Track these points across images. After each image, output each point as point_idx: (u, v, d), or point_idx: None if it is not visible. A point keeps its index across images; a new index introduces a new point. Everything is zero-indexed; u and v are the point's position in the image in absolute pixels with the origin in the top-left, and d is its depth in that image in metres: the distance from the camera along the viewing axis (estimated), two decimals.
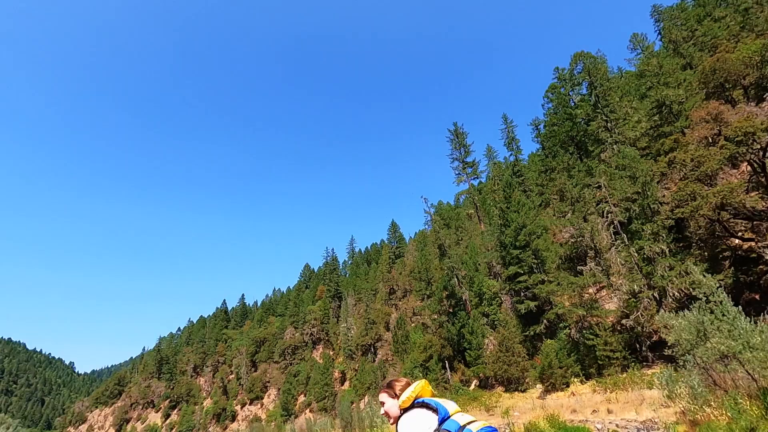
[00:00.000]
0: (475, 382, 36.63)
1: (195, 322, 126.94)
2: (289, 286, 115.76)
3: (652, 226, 25.86)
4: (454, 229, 62.01)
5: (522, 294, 34.94)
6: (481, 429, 2.59)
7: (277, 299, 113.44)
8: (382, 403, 2.97)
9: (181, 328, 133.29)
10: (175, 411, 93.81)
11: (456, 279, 41.52)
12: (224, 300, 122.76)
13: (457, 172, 55.05)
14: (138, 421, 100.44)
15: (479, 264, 44.04)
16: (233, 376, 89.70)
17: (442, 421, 2.67)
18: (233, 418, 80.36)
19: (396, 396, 2.90)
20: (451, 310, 41.80)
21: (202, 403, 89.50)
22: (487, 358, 34.80)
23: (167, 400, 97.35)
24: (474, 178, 55.97)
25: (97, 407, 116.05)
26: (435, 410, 2.74)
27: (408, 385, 2.94)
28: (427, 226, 58.83)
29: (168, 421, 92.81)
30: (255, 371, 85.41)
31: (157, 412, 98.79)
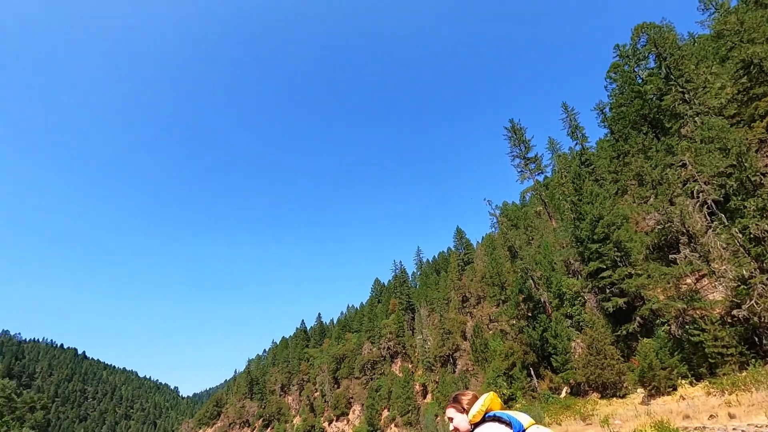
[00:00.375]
0: (565, 389, 34.26)
1: (278, 343, 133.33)
2: (362, 302, 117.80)
3: (756, 201, 22.74)
4: (523, 229, 59.39)
5: (607, 291, 32.29)
6: None
7: (352, 316, 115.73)
8: (451, 419, 2.88)
9: (267, 350, 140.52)
10: (269, 429, 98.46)
11: (531, 281, 39.53)
12: (302, 320, 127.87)
13: (519, 170, 52.90)
14: None
15: (555, 263, 41.57)
16: (318, 393, 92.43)
17: None
18: None
19: (464, 410, 2.81)
20: (530, 314, 39.76)
21: (292, 421, 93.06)
22: (576, 363, 32.44)
23: (260, 419, 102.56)
24: (538, 174, 53.41)
25: (200, 428, 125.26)
26: (509, 424, 2.62)
27: (475, 398, 2.85)
28: (493, 229, 57.04)
29: None
30: (338, 388, 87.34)
31: (252, 431, 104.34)
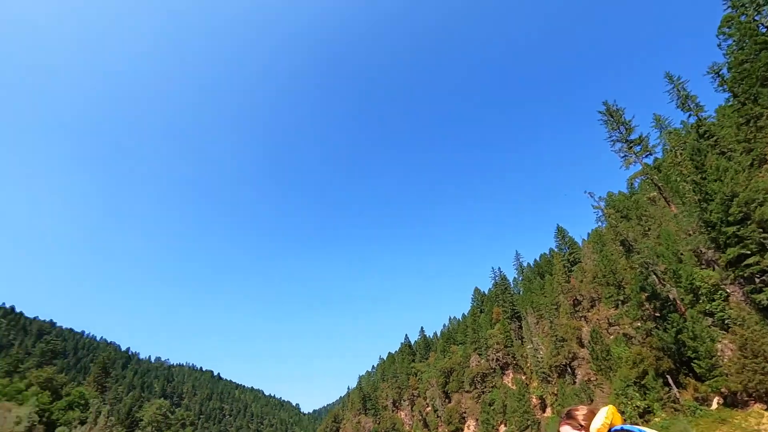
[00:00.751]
0: (716, 399, 29.34)
1: (385, 358, 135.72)
2: (463, 313, 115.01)
3: None
4: (636, 219, 53.16)
5: (756, 280, 27.25)
6: None
7: (455, 327, 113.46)
8: None
9: (375, 366, 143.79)
10: None
11: (654, 276, 35.05)
12: (406, 335, 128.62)
13: (622, 155, 47.81)
14: None
15: (681, 253, 36.38)
16: (430, 408, 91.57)
17: None
18: None
19: (581, 427, 2.60)
20: (657, 314, 35.14)
21: None
22: (726, 368, 27.70)
23: None
24: (646, 156, 47.66)
25: None
26: None
27: (591, 413, 2.64)
28: (600, 224, 52.02)
29: None
30: (449, 402, 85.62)
31: None
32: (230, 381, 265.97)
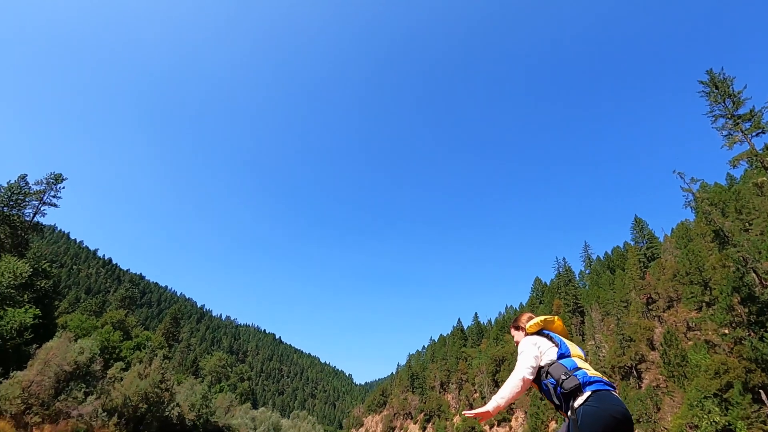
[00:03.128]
0: None
1: (436, 340, 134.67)
2: (521, 302, 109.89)
3: None
4: (735, 213, 45.58)
5: None
6: (597, 377, 2.46)
7: (511, 316, 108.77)
8: (516, 342, 2.99)
9: (425, 346, 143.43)
10: (430, 424, 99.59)
11: (754, 275, 29.51)
12: (459, 319, 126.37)
13: (725, 133, 40.45)
14: (401, 430, 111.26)
15: None
16: (477, 394, 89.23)
17: (560, 357, 2.65)
18: None
19: (522, 328, 2.96)
20: (751, 320, 29.73)
21: (452, 419, 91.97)
22: None
23: (422, 413, 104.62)
24: (756, 134, 40.01)
25: (369, 414, 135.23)
26: (557, 345, 2.74)
27: (531, 319, 3.00)
28: (689, 211, 45.31)
29: None
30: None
31: (414, 423, 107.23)
32: (290, 345, 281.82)
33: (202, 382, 53.63)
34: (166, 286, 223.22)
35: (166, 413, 39.74)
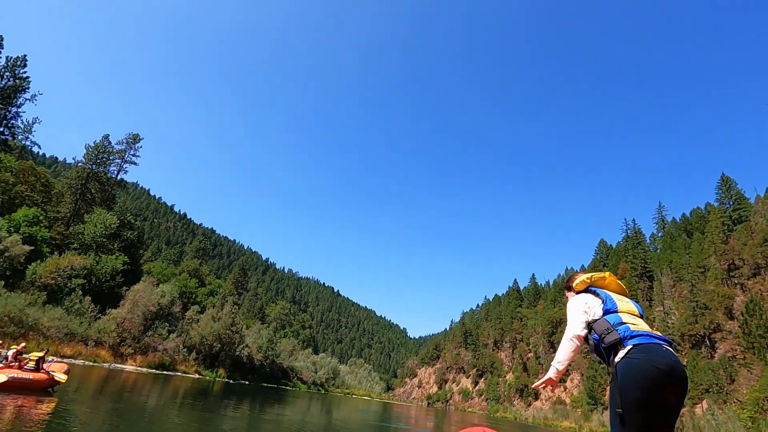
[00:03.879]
0: None
1: (491, 300, 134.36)
2: (583, 265, 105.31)
3: None
4: None
5: None
6: (643, 332, 2.36)
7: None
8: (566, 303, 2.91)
9: (480, 305, 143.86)
10: (482, 379, 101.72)
11: None
12: (515, 279, 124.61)
13: None
14: (453, 382, 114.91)
15: None
16: (532, 354, 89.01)
17: (605, 312, 2.56)
18: (536, 397, 79.59)
19: (572, 288, 2.87)
20: None
21: (505, 376, 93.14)
22: None
23: (474, 369, 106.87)
24: None
25: (422, 366, 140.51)
26: (603, 300, 2.64)
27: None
28: None
29: (477, 388, 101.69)
30: (554, 352, 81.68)
31: (467, 377, 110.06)
32: (348, 298, 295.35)
33: (268, 327, 58.29)
34: (235, 240, 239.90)
35: (237, 352, 44.00)
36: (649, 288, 68.75)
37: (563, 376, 74.34)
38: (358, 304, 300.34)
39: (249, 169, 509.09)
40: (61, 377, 11.86)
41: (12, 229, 31.00)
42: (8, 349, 12.57)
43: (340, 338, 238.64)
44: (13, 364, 11.51)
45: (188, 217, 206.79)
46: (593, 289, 2.76)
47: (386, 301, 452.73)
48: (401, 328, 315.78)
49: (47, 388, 11.60)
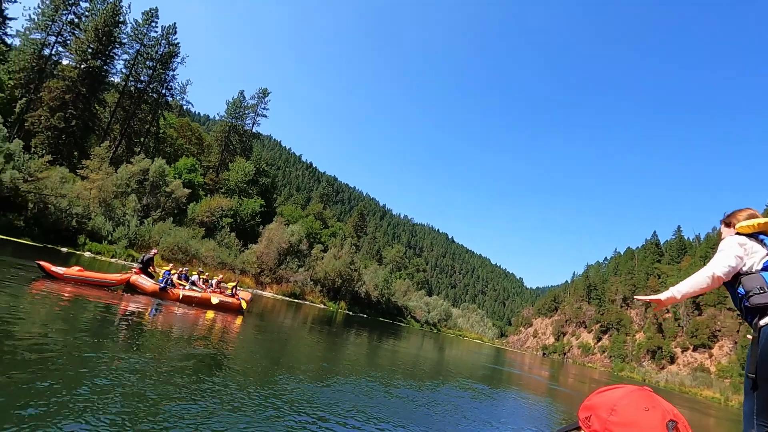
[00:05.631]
0: None
1: (622, 253, 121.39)
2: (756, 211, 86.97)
3: None
4: None
5: None
6: None
7: None
8: (721, 239, 2.52)
9: (608, 258, 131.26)
10: (606, 336, 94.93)
11: None
12: (654, 231, 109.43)
13: None
14: (573, 336, 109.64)
15: None
16: (670, 315, 79.24)
17: (765, 268, 2.20)
18: (672, 360, 71.70)
19: (733, 225, 2.46)
20: None
21: (634, 335, 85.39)
22: None
23: (598, 324, 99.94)
24: None
25: (539, 316, 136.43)
26: None
27: (753, 216, 2.43)
28: None
29: (599, 344, 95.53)
30: (699, 315, 71.49)
31: (589, 332, 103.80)
32: (462, 245, 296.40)
33: (385, 268, 62.15)
34: (355, 187, 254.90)
35: (356, 289, 48.14)
36: None
37: (710, 342, 65.12)
38: (473, 252, 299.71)
39: (369, 119, 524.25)
40: (245, 302, 15.84)
41: (176, 175, 37.46)
42: (211, 278, 17.16)
43: (454, 283, 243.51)
44: (216, 290, 15.58)
45: (314, 165, 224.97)
46: (762, 237, 2.33)
47: (503, 249, 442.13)
48: (517, 277, 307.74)
49: (239, 309, 15.36)
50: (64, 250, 24.08)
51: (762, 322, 2.11)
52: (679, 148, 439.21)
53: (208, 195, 42.80)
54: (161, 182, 33.50)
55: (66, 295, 9.54)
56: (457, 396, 10.33)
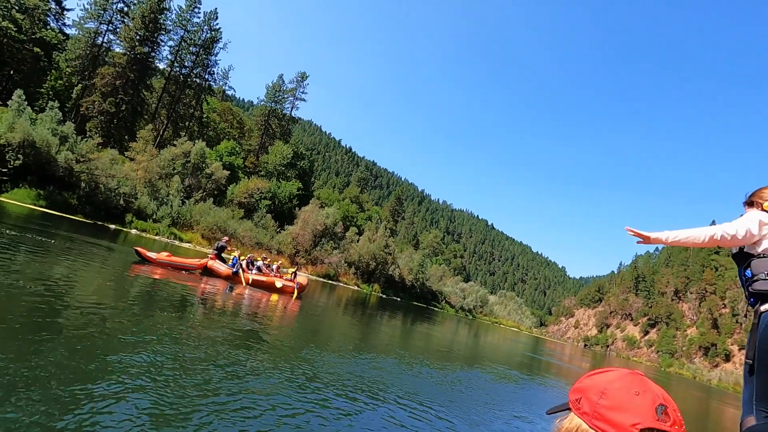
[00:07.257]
0: None
1: None
2: None
3: None
4: None
5: None
6: None
7: None
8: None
9: (659, 248, 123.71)
10: (654, 329, 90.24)
11: None
12: (713, 221, 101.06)
13: None
14: (617, 328, 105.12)
15: None
16: (726, 310, 73.93)
17: None
18: (727, 358, 67.09)
19: (758, 205, 2.28)
20: None
21: (685, 330, 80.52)
22: None
23: (645, 317, 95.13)
24: None
25: (581, 307, 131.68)
26: None
27: None
28: None
29: (646, 338, 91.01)
30: None
31: (635, 325, 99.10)
32: (502, 232, 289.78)
33: (421, 252, 61.79)
34: (393, 172, 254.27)
35: (390, 272, 48.22)
36: None
37: None
38: (513, 239, 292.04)
39: (406, 105, 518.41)
40: (299, 288, 17.14)
41: (217, 158, 38.68)
42: (272, 263, 18.85)
43: (493, 270, 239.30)
44: (277, 275, 17.34)
45: (353, 150, 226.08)
46: None
47: (545, 238, 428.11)
48: (560, 266, 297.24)
49: (298, 292, 16.81)
50: (113, 227, 25.61)
51: (763, 308, 2.05)
52: (745, 132, 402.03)
53: (247, 177, 44.00)
54: (203, 164, 34.79)
55: (157, 276, 11.35)
56: (491, 381, 10.63)
